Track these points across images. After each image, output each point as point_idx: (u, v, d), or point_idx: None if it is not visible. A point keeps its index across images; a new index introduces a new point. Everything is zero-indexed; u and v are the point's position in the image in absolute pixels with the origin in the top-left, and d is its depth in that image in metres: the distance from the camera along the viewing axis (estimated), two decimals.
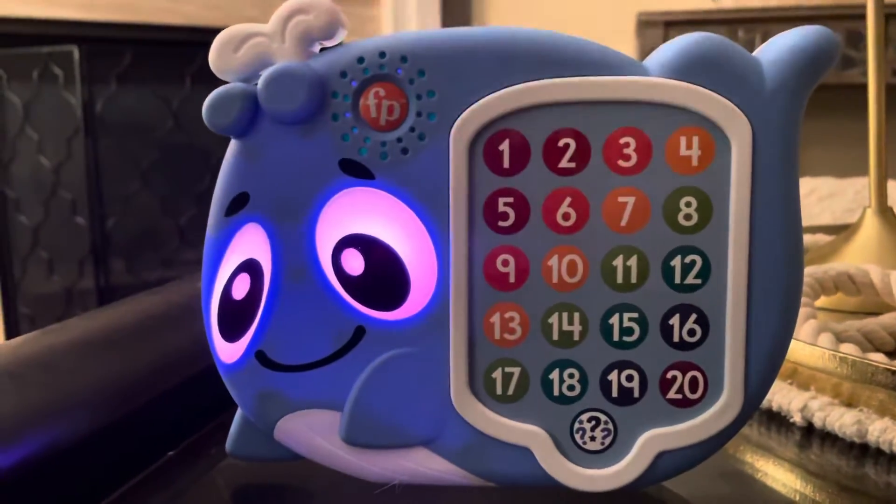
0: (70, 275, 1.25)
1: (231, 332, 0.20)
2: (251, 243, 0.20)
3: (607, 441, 0.20)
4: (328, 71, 0.19)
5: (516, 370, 0.20)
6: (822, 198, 0.65)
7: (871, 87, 0.35)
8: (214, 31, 0.20)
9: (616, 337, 0.20)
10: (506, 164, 0.19)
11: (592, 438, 0.20)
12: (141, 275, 1.25)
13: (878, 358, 0.25)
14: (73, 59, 1.19)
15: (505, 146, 0.19)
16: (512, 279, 0.20)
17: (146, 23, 1.28)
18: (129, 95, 1.22)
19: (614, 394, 0.20)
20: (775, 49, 0.19)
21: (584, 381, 0.20)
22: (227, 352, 0.20)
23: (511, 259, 0.20)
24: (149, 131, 1.23)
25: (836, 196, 0.65)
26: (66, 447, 0.21)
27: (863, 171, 0.66)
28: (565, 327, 0.20)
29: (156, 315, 0.27)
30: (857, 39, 1.36)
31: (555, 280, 0.20)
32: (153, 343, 0.26)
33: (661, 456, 0.20)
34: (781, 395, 0.26)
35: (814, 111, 0.20)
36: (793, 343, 0.22)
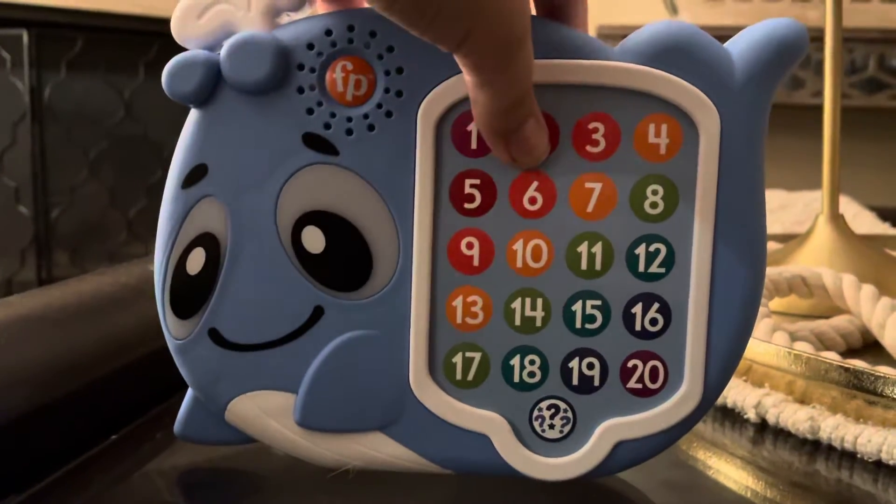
0: (10, 265, 1.20)
1: (184, 308, 0.20)
2: (208, 217, 0.19)
3: (566, 429, 0.20)
4: (294, 42, 0.19)
5: (477, 355, 0.20)
6: (772, 210, 0.66)
7: (828, 95, 0.36)
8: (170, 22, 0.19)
9: (578, 324, 0.19)
10: (473, 144, 0.19)
11: (551, 426, 0.20)
12: (85, 267, 1.21)
13: (831, 356, 0.26)
14: (23, 42, 1.16)
15: (473, 126, 0.19)
16: (476, 262, 0.19)
17: (100, 10, 1.24)
18: (79, 83, 1.18)
19: (574, 381, 0.20)
20: (745, 40, 0.19)
21: (544, 367, 0.20)
22: (180, 328, 0.20)
23: (476, 242, 0.19)
24: (98, 120, 1.19)
25: (786, 208, 0.67)
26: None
27: (810, 187, 0.68)
28: (528, 313, 0.19)
29: (103, 295, 0.26)
30: (806, 62, 1.39)
31: (519, 265, 0.19)
32: (99, 323, 0.25)
33: (619, 445, 0.20)
34: (736, 392, 0.26)
35: None
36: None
